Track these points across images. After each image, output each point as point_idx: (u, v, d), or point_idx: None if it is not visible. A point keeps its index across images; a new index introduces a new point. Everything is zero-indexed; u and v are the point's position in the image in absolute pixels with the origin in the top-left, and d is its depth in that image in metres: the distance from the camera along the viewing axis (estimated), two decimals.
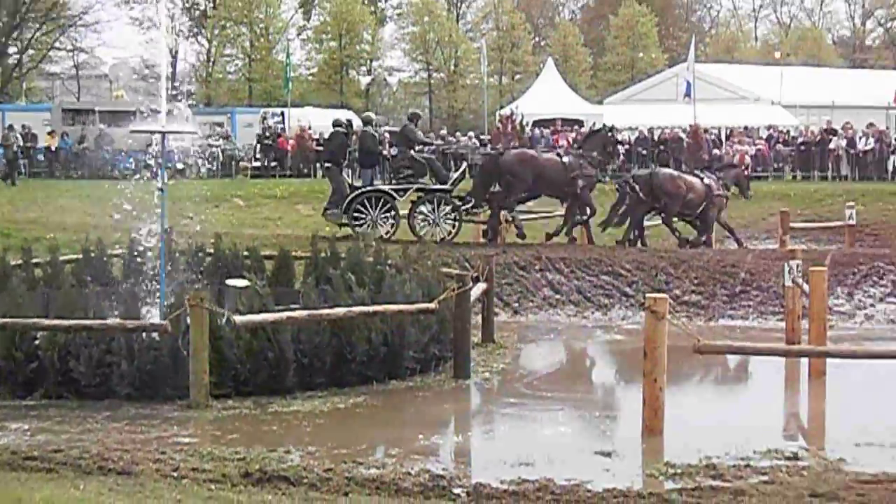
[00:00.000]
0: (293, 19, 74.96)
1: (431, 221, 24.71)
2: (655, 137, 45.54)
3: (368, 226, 24.41)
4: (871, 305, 20.10)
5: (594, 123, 36.87)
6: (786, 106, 53.45)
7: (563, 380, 15.87)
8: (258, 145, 46.88)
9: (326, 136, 30.63)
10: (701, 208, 24.83)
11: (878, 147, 42.63)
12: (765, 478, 10.19)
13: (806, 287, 15.94)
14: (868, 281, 20.80)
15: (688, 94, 45.68)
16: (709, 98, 50.45)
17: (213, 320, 13.17)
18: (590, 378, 16.69)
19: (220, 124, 50.03)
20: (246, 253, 18.65)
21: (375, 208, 24.66)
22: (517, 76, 75.25)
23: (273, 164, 45.74)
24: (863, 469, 10.49)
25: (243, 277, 16.06)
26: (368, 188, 25.30)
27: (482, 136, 46.53)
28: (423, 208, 24.87)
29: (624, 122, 46.84)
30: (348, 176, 28.08)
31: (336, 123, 26.86)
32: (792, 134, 46.93)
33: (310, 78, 72.05)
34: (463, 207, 24.95)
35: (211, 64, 70.39)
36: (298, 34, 75.17)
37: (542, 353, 17.95)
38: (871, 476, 10.20)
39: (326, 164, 26.79)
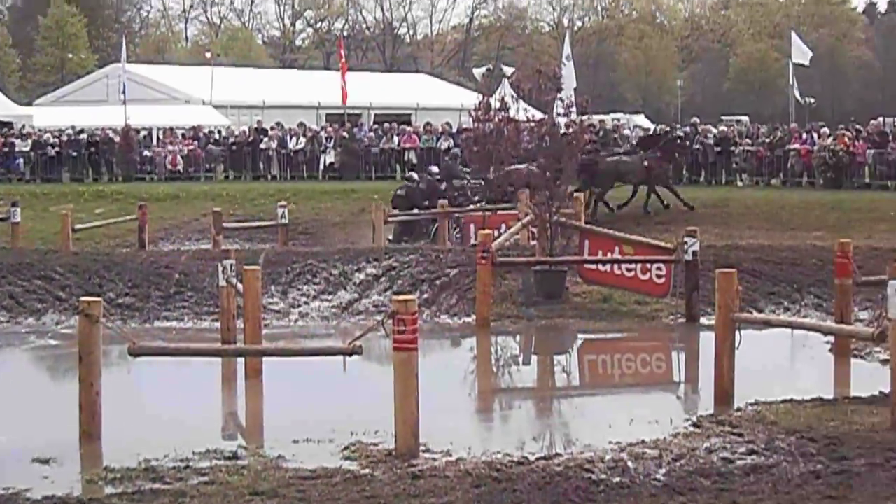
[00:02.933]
0: None
1: None
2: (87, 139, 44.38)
3: None
4: (306, 303, 20.36)
5: None
6: (217, 106, 53.95)
7: None
8: None
9: None
10: None
11: (310, 146, 43.73)
12: (205, 478, 10.04)
13: (240, 286, 15.92)
14: (302, 279, 21.08)
15: (123, 94, 45.10)
16: (140, 99, 50.02)
17: None
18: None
19: None
20: None
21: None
22: None
23: None
24: (302, 465, 10.55)
25: None
26: None
27: None
28: None
29: (55, 124, 45.57)
30: None
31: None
32: (223, 134, 47.20)
33: None
34: None
35: None
36: None
37: None
38: (310, 471, 10.27)
39: None
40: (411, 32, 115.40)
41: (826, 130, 39.99)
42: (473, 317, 19.17)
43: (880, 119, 45.19)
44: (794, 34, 51.48)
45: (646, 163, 31.98)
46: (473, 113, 27.21)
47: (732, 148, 40.38)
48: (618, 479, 9.92)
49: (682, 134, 36.66)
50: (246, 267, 15.96)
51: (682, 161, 35.32)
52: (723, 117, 75.00)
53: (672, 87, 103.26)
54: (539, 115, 24.13)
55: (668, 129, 35.92)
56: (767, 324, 15.38)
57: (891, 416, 11.18)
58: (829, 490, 9.44)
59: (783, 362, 17.03)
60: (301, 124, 46.38)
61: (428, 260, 21.67)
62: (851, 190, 34.89)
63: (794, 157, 38.47)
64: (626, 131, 45.04)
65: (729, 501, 9.30)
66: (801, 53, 48.66)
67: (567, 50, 44.29)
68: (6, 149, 42.86)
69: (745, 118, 76.76)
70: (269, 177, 43.42)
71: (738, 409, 12.55)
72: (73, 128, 45.48)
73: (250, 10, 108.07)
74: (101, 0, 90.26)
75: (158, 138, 47.00)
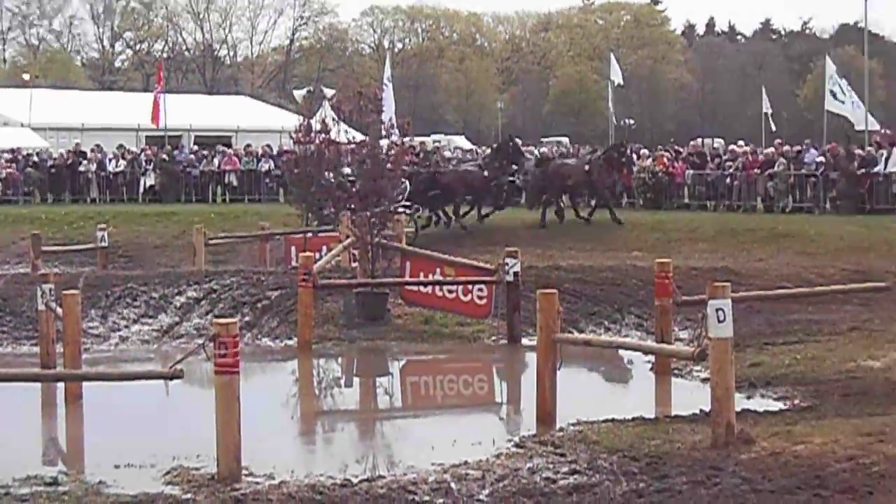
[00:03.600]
0: None
1: None
2: None
3: None
4: (126, 327, 20.04)
5: None
6: (35, 128, 52.74)
7: None
8: None
9: None
10: None
11: (129, 169, 43.00)
12: None
13: (59, 310, 15.55)
14: (122, 303, 20.76)
15: None
16: None
17: None
18: None
19: None
20: None
21: None
22: None
23: None
24: (123, 490, 10.37)
25: None
26: None
27: None
28: None
29: None
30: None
31: None
32: (42, 157, 46.10)
33: None
34: None
35: None
36: None
37: None
38: (132, 497, 10.10)
39: None
40: (231, 54, 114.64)
41: (645, 152, 40.79)
42: (295, 339, 19.05)
43: (699, 140, 46.38)
44: (612, 56, 52.52)
45: (587, 167, 32.63)
46: (294, 135, 27.15)
47: None
48: (441, 501, 9.93)
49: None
50: (65, 291, 15.60)
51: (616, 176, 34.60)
52: (543, 139, 76.10)
53: (493, 109, 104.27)
54: (360, 136, 24.11)
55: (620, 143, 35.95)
56: (588, 344, 15.51)
57: (711, 434, 11.36)
58: None
59: (605, 382, 17.26)
60: (121, 146, 45.60)
61: (249, 283, 21.55)
62: (671, 210, 35.60)
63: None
64: (447, 153, 45.34)
65: None
66: (619, 75, 49.69)
67: (388, 72, 44.53)
68: None
69: (565, 139, 78.03)
70: (89, 199, 42.45)
71: (561, 430, 12.62)
72: None
73: (69, 32, 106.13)
74: None
75: None
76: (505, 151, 33.35)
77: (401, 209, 27.89)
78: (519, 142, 35.49)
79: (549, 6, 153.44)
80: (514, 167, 33.36)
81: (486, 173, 32.09)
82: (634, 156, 37.01)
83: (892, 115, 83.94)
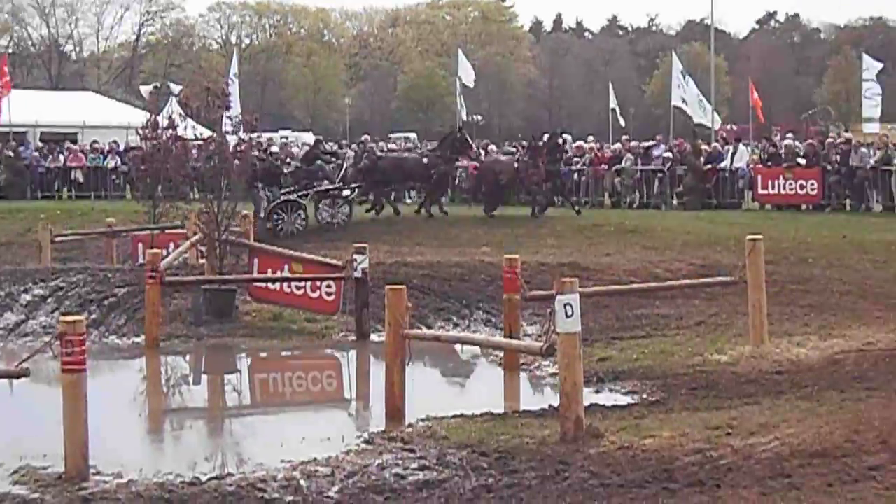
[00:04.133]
0: None
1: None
2: None
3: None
4: None
5: None
6: None
7: None
8: None
9: None
10: None
11: None
12: None
13: None
14: None
15: None
16: None
17: None
18: None
19: None
20: None
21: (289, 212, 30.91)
22: None
23: None
24: None
25: None
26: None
27: None
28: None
29: None
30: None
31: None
32: None
33: None
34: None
35: None
36: None
37: None
38: None
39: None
40: (77, 50, 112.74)
41: (493, 148, 41.07)
42: (143, 337, 18.77)
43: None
44: (460, 52, 52.70)
45: (515, 165, 33.33)
46: (141, 131, 26.76)
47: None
48: (290, 498, 9.84)
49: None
50: None
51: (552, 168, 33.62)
52: (391, 134, 76.22)
53: (341, 105, 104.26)
54: (207, 132, 23.83)
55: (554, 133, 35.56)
56: (437, 340, 15.52)
57: (560, 429, 11.44)
58: (501, 503, 9.60)
59: (454, 378, 17.31)
60: None
61: (96, 280, 21.17)
62: (519, 206, 35.88)
63: (463, 174, 39.31)
64: (295, 149, 45.16)
65: None
66: (468, 73, 49.87)
67: (234, 68, 44.18)
68: None
69: (413, 135, 78.26)
70: None
71: (410, 426, 12.61)
72: None
73: None
74: None
75: None
76: (450, 142, 34.04)
77: (346, 191, 32.40)
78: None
79: (397, 2, 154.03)
80: (457, 158, 34.53)
81: (425, 160, 33.40)
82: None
83: (737, 111, 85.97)
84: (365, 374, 17.45)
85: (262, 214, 30.46)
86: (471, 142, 35.85)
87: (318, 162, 33.99)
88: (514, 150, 39.24)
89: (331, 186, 32.20)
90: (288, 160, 35.62)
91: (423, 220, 32.21)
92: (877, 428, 10.96)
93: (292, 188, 31.98)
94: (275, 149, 38.21)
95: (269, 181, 32.17)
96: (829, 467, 9.77)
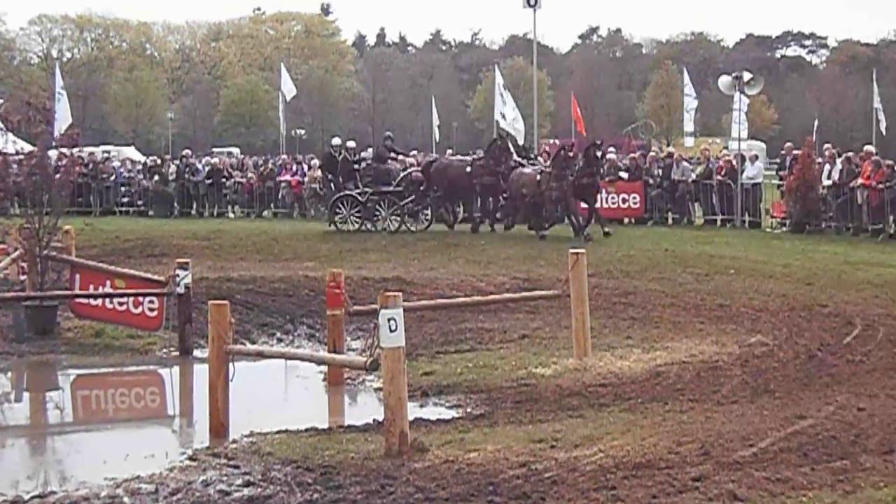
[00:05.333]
0: None
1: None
2: None
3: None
4: None
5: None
6: None
7: None
8: None
9: None
10: None
11: None
12: None
13: None
14: None
15: None
16: None
17: None
18: None
19: None
20: None
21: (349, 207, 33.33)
22: None
23: None
24: None
25: None
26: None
27: None
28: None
29: None
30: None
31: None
32: None
33: None
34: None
35: None
36: None
37: None
38: None
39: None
40: None
41: (316, 162, 41.04)
42: None
43: (369, 151, 46.92)
44: (283, 67, 52.56)
45: (538, 178, 30.87)
46: None
47: (224, 180, 40.68)
48: None
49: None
50: None
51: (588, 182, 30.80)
52: (214, 149, 75.55)
53: (163, 120, 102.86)
54: (29, 147, 23.36)
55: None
56: (261, 355, 15.46)
57: (385, 444, 11.48)
58: None
59: (278, 393, 17.20)
60: None
61: None
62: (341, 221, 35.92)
63: (286, 189, 39.21)
64: (116, 163, 44.53)
65: None
66: (290, 87, 49.81)
67: (60, 81, 43.40)
68: None
69: (236, 150, 77.73)
70: None
71: (234, 441, 12.52)
72: None
73: None
74: None
75: None
76: (493, 151, 32.79)
77: (404, 198, 33.13)
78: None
79: (220, 16, 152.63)
80: (500, 169, 32.19)
81: (468, 170, 32.72)
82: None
83: (561, 125, 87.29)
84: (188, 390, 17.25)
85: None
86: (512, 149, 33.90)
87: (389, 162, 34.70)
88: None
89: (388, 189, 33.31)
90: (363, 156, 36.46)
91: (245, 234, 31.97)
92: (700, 439, 11.26)
93: (364, 185, 33.42)
94: (351, 143, 38.03)
95: (347, 176, 33.72)
96: (653, 479, 9.98)
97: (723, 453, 10.74)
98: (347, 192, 33.45)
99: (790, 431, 11.56)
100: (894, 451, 10.73)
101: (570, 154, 30.62)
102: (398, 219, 33.23)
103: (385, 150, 35.63)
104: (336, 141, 37.04)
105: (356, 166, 34.41)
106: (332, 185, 34.71)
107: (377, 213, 33.43)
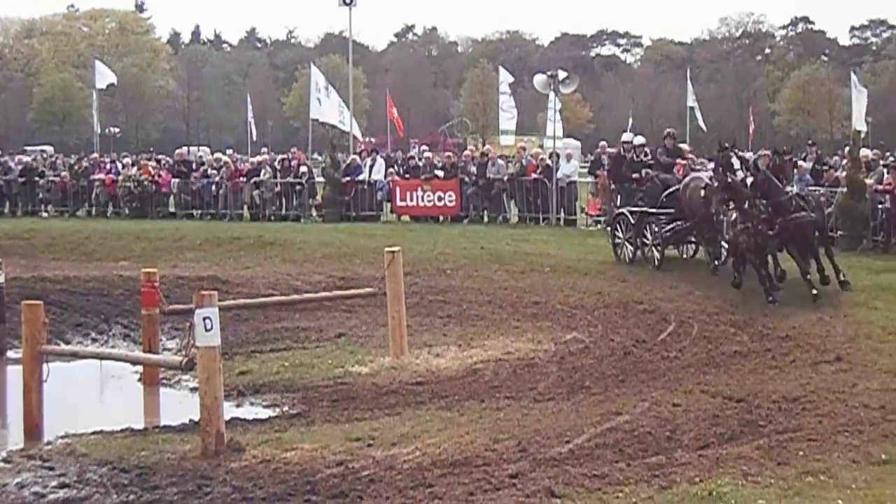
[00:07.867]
0: None
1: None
2: None
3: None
4: None
5: None
6: None
7: None
8: None
9: None
10: None
11: None
12: None
13: None
14: None
15: None
16: None
17: None
18: None
19: None
20: None
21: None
22: None
23: None
24: None
25: None
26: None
27: None
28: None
29: None
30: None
31: None
32: None
33: None
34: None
35: None
36: None
37: None
38: None
39: None
40: None
41: (129, 160, 40.54)
42: None
43: (185, 148, 46.52)
44: (97, 63, 51.67)
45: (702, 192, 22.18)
46: None
47: (37, 178, 39.87)
48: None
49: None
50: None
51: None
52: (27, 147, 73.82)
53: None
54: None
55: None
56: (75, 356, 15.30)
57: (201, 444, 11.47)
58: None
59: (93, 394, 16.97)
60: None
61: None
62: (157, 219, 35.53)
63: (100, 187, 38.59)
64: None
65: None
66: (108, 76, 49.11)
67: None
68: None
69: (49, 148, 76.07)
70: None
71: (49, 443, 12.38)
72: None
73: None
74: None
75: None
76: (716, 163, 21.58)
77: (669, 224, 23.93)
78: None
79: (33, 12, 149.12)
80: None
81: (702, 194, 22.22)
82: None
83: (376, 123, 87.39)
84: (1, 392, 16.92)
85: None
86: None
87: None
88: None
89: (655, 211, 24.53)
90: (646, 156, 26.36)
91: (59, 233, 31.39)
92: (516, 436, 11.50)
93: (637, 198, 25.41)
94: (640, 139, 27.02)
95: (622, 179, 26.16)
96: (471, 476, 10.17)
97: (539, 450, 10.99)
98: (631, 209, 25.22)
99: (606, 428, 11.87)
100: (709, 446, 11.09)
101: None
102: (660, 251, 24.32)
103: (666, 150, 26.32)
104: (627, 136, 28.15)
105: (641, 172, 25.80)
106: (618, 196, 26.48)
107: (645, 238, 24.86)
